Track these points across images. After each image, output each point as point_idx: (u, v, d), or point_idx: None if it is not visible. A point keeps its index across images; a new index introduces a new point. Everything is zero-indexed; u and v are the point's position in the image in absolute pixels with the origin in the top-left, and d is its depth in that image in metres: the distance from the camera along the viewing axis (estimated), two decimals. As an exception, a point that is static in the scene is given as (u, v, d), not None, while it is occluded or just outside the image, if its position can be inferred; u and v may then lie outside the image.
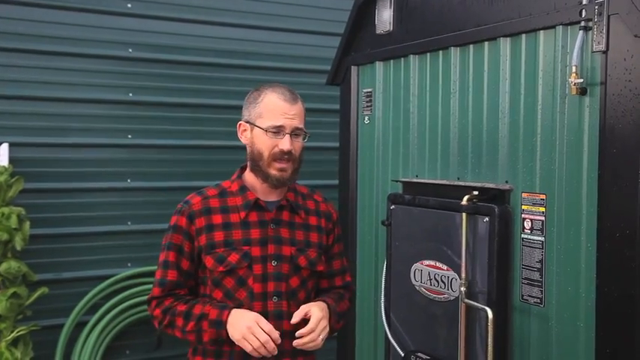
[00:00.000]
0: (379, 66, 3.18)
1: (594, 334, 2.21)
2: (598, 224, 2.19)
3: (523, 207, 2.44)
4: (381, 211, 3.11)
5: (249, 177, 2.32)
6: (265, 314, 2.17)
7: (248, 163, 2.32)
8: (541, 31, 2.38)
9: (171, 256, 2.26)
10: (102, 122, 4.07)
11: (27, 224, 3.60)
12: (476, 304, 2.50)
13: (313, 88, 4.22)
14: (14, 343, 3.56)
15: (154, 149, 4.21)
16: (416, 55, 2.96)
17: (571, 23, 2.27)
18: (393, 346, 2.91)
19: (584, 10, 2.21)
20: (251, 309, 2.18)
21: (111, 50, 4.07)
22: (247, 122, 2.28)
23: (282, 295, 2.23)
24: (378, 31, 3.20)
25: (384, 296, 2.99)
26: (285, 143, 2.21)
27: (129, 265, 4.13)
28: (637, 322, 2.10)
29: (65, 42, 3.95)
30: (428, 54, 2.90)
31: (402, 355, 2.85)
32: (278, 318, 2.19)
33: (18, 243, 3.53)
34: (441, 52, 2.83)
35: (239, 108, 2.36)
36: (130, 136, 4.14)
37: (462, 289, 2.54)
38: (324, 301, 2.27)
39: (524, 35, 2.45)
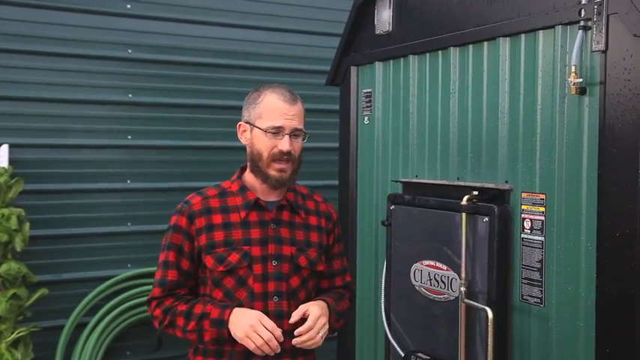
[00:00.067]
0: (379, 66, 3.18)
1: (594, 334, 2.21)
2: (598, 224, 2.19)
3: (523, 207, 2.45)
4: (381, 212, 3.11)
5: (249, 177, 2.32)
6: (266, 314, 2.17)
7: (248, 164, 2.32)
8: (540, 31, 2.38)
9: (171, 256, 2.26)
10: (102, 123, 4.06)
11: (27, 225, 3.60)
12: (476, 304, 2.50)
13: (313, 88, 4.22)
14: (14, 344, 3.56)
15: (153, 150, 4.21)
16: (415, 56, 2.96)
17: (570, 23, 2.27)
18: (393, 347, 2.91)
19: (583, 10, 2.21)
20: (252, 309, 2.18)
21: (110, 51, 4.07)
22: (247, 123, 2.29)
23: (282, 294, 2.23)
24: (377, 32, 3.20)
25: (384, 296, 2.99)
26: (284, 144, 2.21)
27: (129, 266, 4.13)
28: (637, 322, 2.10)
29: (65, 43, 3.95)
30: (427, 54, 2.90)
31: (402, 355, 2.85)
32: (279, 318, 2.19)
33: (18, 244, 3.52)
34: (440, 52, 2.83)
35: (239, 109, 2.36)
36: (129, 137, 4.14)
37: (462, 289, 2.54)
38: (323, 300, 2.28)
39: (523, 35, 2.45)
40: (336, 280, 2.44)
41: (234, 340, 2.15)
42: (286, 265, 2.25)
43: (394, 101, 3.10)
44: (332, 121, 3.89)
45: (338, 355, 3.51)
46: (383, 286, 3.00)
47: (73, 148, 3.99)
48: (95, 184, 4.05)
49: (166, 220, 2.36)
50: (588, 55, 2.21)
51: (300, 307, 2.19)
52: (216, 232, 2.23)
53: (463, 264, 2.54)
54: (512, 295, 2.49)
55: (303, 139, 2.29)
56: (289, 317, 2.19)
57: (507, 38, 2.51)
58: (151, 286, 2.38)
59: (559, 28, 2.30)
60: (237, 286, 2.22)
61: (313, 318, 2.16)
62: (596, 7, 2.17)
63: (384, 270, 3.00)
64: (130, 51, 4.13)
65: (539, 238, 2.39)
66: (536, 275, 2.40)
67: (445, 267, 2.67)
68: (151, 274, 3.63)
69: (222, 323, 2.14)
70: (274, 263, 2.24)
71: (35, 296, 3.63)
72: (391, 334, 2.94)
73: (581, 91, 2.20)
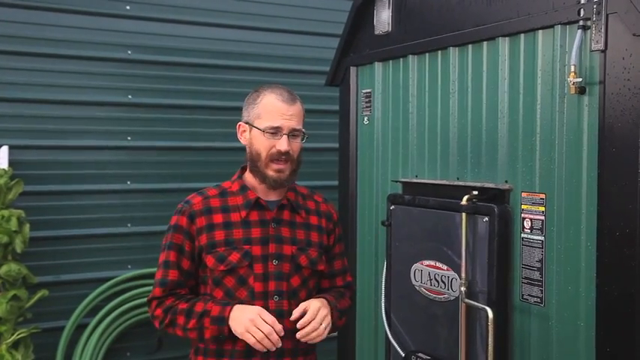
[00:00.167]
0: (378, 66, 3.18)
1: (594, 334, 2.21)
2: (598, 223, 2.19)
3: (523, 206, 2.44)
4: (381, 212, 3.11)
5: (249, 177, 2.33)
6: (266, 313, 2.17)
7: (247, 164, 2.32)
8: (540, 31, 2.38)
9: (171, 256, 2.26)
10: (101, 124, 4.07)
11: (27, 227, 3.60)
12: (476, 303, 2.50)
13: (312, 89, 4.23)
14: (15, 345, 3.56)
15: (153, 151, 4.21)
16: (415, 56, 2.96)
17: (569, 22, 2.27)
18: (394, 347, 2.91)
19: (582, 10, 2.21)
20: (253, 307, 2.19)
21: (110, 52, 4.08)
22: (246, 123, 2.29)
23: (283, 294, 2.23)
24: (376, 32, 3.20)
25: (385, 296, 2.99)
26: (282, 144, 2.21)
27: (129, 267, 4.13)
28: (637, 321, 2.10)
29: (64, 44, 3.95)
30: (427, 54, 2.90)
31: (403, 355, 2.85)
32: (279, 317, 2.19)
33: (18, 245, 3.53)
34: (439, 52, 2.83)
35: (239, 110, 2.36)
36: (129, 138, 4.15)
37: (462, 289, 2.54)
38: (323, 297, 2.28)
39: (522, 35, 2.45)
40: (337, 280, 2.45)
41: (235, 338, 2.15)
42: (287, 264, 2.25)
43: (394, 101, 3.10)
44: (332, 122, 3.90)
45: (338, 355, 3.51)
46: (383, 286, 3.00)
47: (73, 149, 4.00)
48: (95, 186, 4.05)
49: (166, 220, 2.36)
50: (588, 55, 2.21)
51: (300, 305, 2.19)
52: (216, 232, 2.24)
53: (463, 264, 2.54)
54: (512, 294, 2.49)
55: (302, 140, 2.29)
56: (290, 317, 2.19)
57: (507, 38, 2.51)
58: (151, 287, 2.38)
59: (558, 27, 2.31)
60: (237, 286, 2.22)
61: (314, 309, 2.16)
62: (595, 6, 2.17)
63: (384, 270, 3.00)
64: (129, 52, 4.13)
65: (539, 238, 2.39)
66: (536, 275, 2.40)
67: (445, 267, 2.67)
68: (151, 275, 3.63)
69: (223, 320, 2.14)
70: (275, 262, 2.24)
71: (35, 297, 3.64)
72: (391, 334, 2.94)
73: (581, 90, 2.20)
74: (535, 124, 2.40)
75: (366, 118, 3.29)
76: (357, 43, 3.35)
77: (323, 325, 2.17)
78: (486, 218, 2.48)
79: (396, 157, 3.08)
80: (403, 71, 3.03)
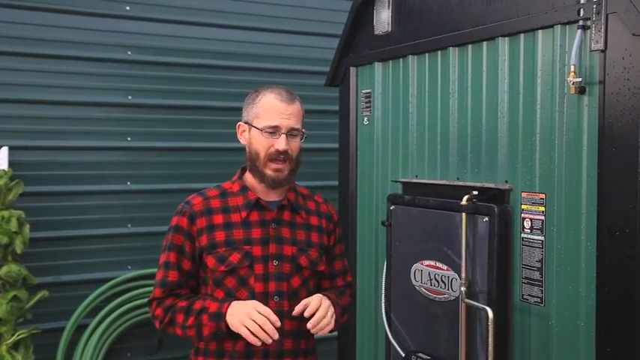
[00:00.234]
0: (378, 67, 3.18)
1: (594, 333, 2.21)
2: (598, 223, 2.19)
3: (523, 206, 2.44)
4: (381, 212, 3.11)
5: (249, 177, 2.33)
6: (267, 313, 2.17)
7: (247, 164, 2.32)
8: (539, 31, 2.38)
9: (172, 257, 2.26)
10: (101, 125, 4.07)
11: (27, 227, 3.61)
12: (476, 303, 2.50)
13: (312, 89, 4.23)
14: (15, 346, 3.56)
15: (153, 152, 4.22)
16: (414, 56, 2.96)
17: (569, 22, 2.27)
18: (394, 347, 2.91)
19: (582, 9, 2.21)
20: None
21: (110, 53, 4.08)
22: (245, 123, 2.30)
23: (283, 294, 2.23)
24: (376, 32, 3.20)
25: (385, 297, 2.99)
26: (280, 143, 2.21)
27: (129, 267, 4.13)
28: (637, 321, 2.10)
29: (64, 45, 3.96)
30: (427, 54, 2.90)
31: (403, 355, 2.85)
32: (279, 317, 2.18)
33: (18, 246, 3.53)
34: (439, 52, 2.83)
35: (239, 110, 2.36)
36: (129, 139, 4.15)
37: (462, 289, 2.54)
38: (323, 294, 2.27)
39: (522, 35, 2.45)
40: (337, 280, 2.45)
41: (235, 337, 2.15)
42: (287, 264, 2.25)
43: (394, 102, 3.10)
44: (331, 122, 3.90)
45: (339, 355, 3.51)
46: (383, 286, 3.00)
47: (72, 150, 4.00)
48: (95, 186, 4.06)
49: (166, 221, 2.36)
50: (587, 55, 2.21)
51: (301, 302, 2.18)
52: (217, 232, 2.24)
53: (463, 264, 2.54)
54: (512, 294, 2.49)
55: (301, 139, 2.29)
56: (290, 317, 2.19)
57: (506, 38, 2.51)
58: (151, 288, 2.38)
59: (558, 27, 2.31)
60: (238, 286, 2.22)
61: (317, 300, 2.16)
62: (595, 6, 2.17)
63: (385, 270, 3.00)
64: (129, 53, 4.13)
65: (539, 238, 2.39)
66: (536, 275, 2.40)
67: (445, 267, 2.67)
68: (151, 276, 3.64)
69: (220, 316, 2.14)
70: (275, 263, 2.24)
71: (35, 298, 3.64)
72: (392, 335, 2.94)
73: (581, 90, 2.20)
74: (535, 124, 2.40)
75: (365, 119, 3.29)
76: (357, 43, 3.35)
77: (329, 314, 2.17)
78: (486, 218, 2.48)
79: (396, 157, 3.08)
80: (403, 71, 3.03)
